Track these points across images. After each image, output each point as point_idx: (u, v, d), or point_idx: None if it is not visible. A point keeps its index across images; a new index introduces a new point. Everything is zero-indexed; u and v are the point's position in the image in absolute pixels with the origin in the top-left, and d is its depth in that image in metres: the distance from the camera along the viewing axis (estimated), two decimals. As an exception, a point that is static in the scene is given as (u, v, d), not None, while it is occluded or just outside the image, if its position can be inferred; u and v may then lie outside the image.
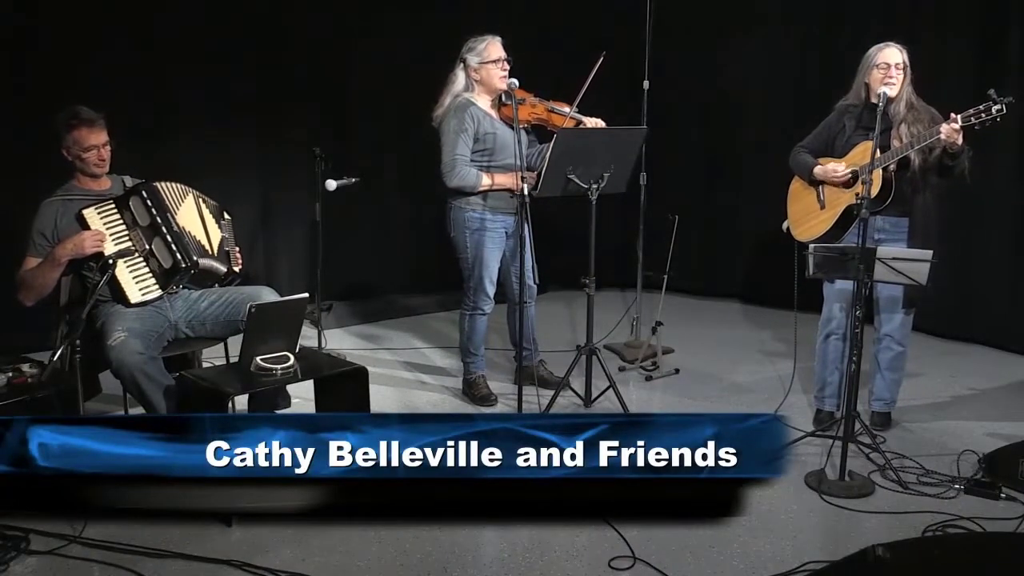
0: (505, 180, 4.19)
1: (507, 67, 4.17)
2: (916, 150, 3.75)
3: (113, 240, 3.62)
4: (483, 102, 4.23)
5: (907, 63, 3.83)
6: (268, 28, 5.60)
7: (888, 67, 3.81)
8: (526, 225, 4.03)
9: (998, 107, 3.52)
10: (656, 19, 5.34)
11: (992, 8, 5.24)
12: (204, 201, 3.95)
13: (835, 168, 3.91)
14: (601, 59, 4.23)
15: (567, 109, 4.25)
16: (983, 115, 3.56)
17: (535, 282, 4.48)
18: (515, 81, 4.10)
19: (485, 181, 4.19)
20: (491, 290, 4.37)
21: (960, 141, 3.66)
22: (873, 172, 3.64)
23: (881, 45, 3.87)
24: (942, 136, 3.63)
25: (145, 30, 5.10)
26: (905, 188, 3.85)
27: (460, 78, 4.24)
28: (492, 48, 4.17)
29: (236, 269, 3.93)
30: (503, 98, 4.22)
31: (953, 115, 3.63)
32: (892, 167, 3.80)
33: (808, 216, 4.09)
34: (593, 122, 4.26)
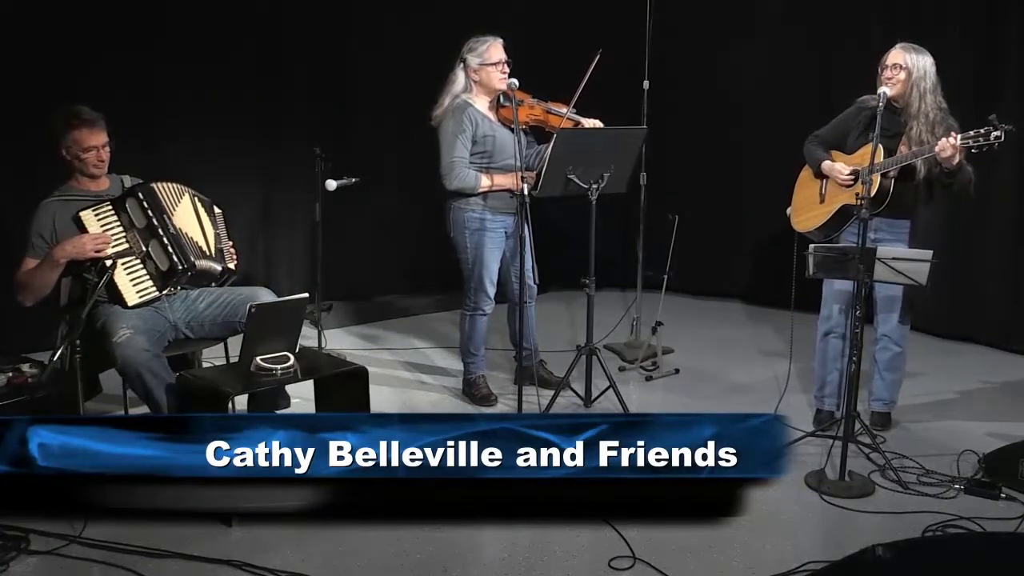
0: (504, 180, 4.19)
1: (507, 70, 4.17)
2: (919, 160, 3.73)
3: (110, 243, 3.61)
4: (481, 103, 4.23)
5: (909, 64, 3.77)
6: (268, 28, 5.60)
7: (886, 67, 3.80)
8: (526, 225, 4.03)
9: (997, 133, 3.49)
10: (656, 19, 5.34)
11: (992, 9, 5.24)
12: (199, 199, 3.94)
13: (841, 169, 3.91)
14: (598, 57, 4.23)
15: (564, 110, 4.26)
16: (981, 139, 3.52)
17: (535, 282, 4.48)
18: (515, 81, 4.10)
19: (484, 182, 4.19)
20: (491, 290, 4.37)
21: (956, 161, 3.63)
22: (873, 175, 3.63)
23: (895, 45, 3.84)
24: (936, 149, 3.61)
25: (145, 30, 5.10)
26: (908, 195, 3.84)
27: (460, 78, 4.24)
28: (493, 50, 4.17)
29: (231, 266, 3.92)
30: (501, 99, 4.22)
31: (953, 133, 3.61)
32: (892, 174, 3.78)
33: (808, 207, 4.09)
34: (591, 123, 4.27)
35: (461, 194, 4.24)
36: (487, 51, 4.16)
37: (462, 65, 4.23)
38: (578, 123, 4.26)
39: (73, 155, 3.62)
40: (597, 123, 4.29)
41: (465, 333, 4.47)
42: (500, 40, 4.20)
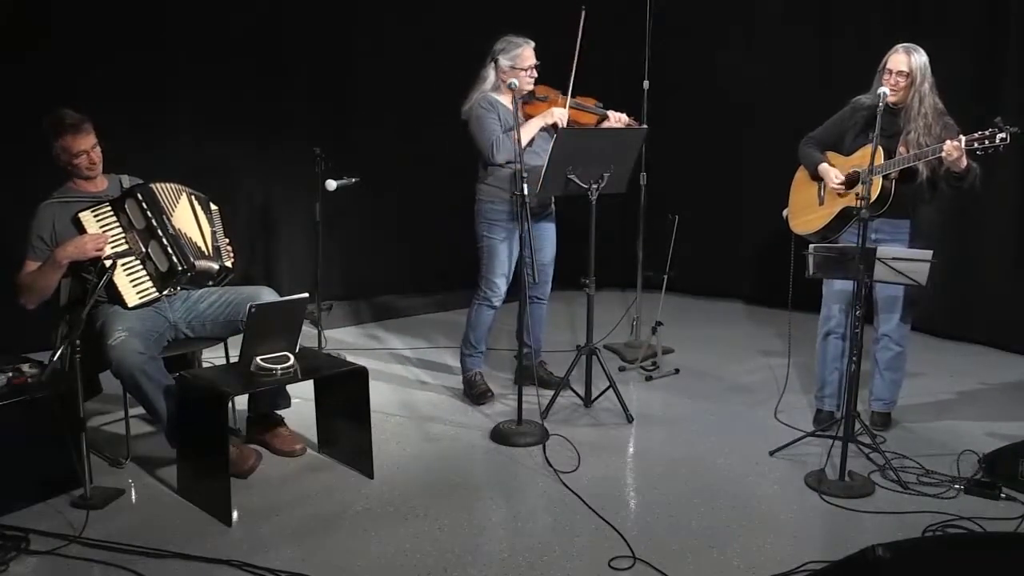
0: (539, 122, 4.22)
1: (535, 75, 4.20)
2: (921, 162, 3.72)
3: (109, 243, 3.60)
4: (506, 100, 4.28)
5: (914, 70, 3.75)
6: (268, 28, 5.61)
7: (891, 73, 3.78)
8: (526, 224, 4.02)
9: (1003, 135, 3.47)
10: (656, 19, 5.35)
11: (992, 9, 5.24)
12: (196, 197, 3.94)
13: (833, 176, 3.91)
14: (583, 14, 4.28)
15: (592, 104, 4.31)
16: (987, 141, 3.51)
17: (534, 280, 4.44)
18: (515, 82, 4.11)
19: (525, 134, 4.14)
20: (501, 283, 4.38)
21: (963, 164, 3.61)
22: (874, 176, 3.62)
23: (896, 48, 3.82)
24: (943, 153, 3.60)
25: (145, 30, 5.10)
26: (910, 196, 3.83)
27: (490, 76, 4.29)
28: (526, 55, 4.22)
29: (229, 264, 3.91)
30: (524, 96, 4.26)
31: (961, 136, 3.60)
32: (893, 175, 3.78)
33: (806, 209, 4.09)
34: (617, 116, 4.34)
35: (485, 185, 4.28)
36: (520, 55, 4.21)
37: (493, 64, 4.25)
38: (604, 117, 4.30)
39: (65, 161, 3.62)
40: (623, 117, 4.35)
41: (470, 321, 4.48)
42: (532, 44, 4.24)
